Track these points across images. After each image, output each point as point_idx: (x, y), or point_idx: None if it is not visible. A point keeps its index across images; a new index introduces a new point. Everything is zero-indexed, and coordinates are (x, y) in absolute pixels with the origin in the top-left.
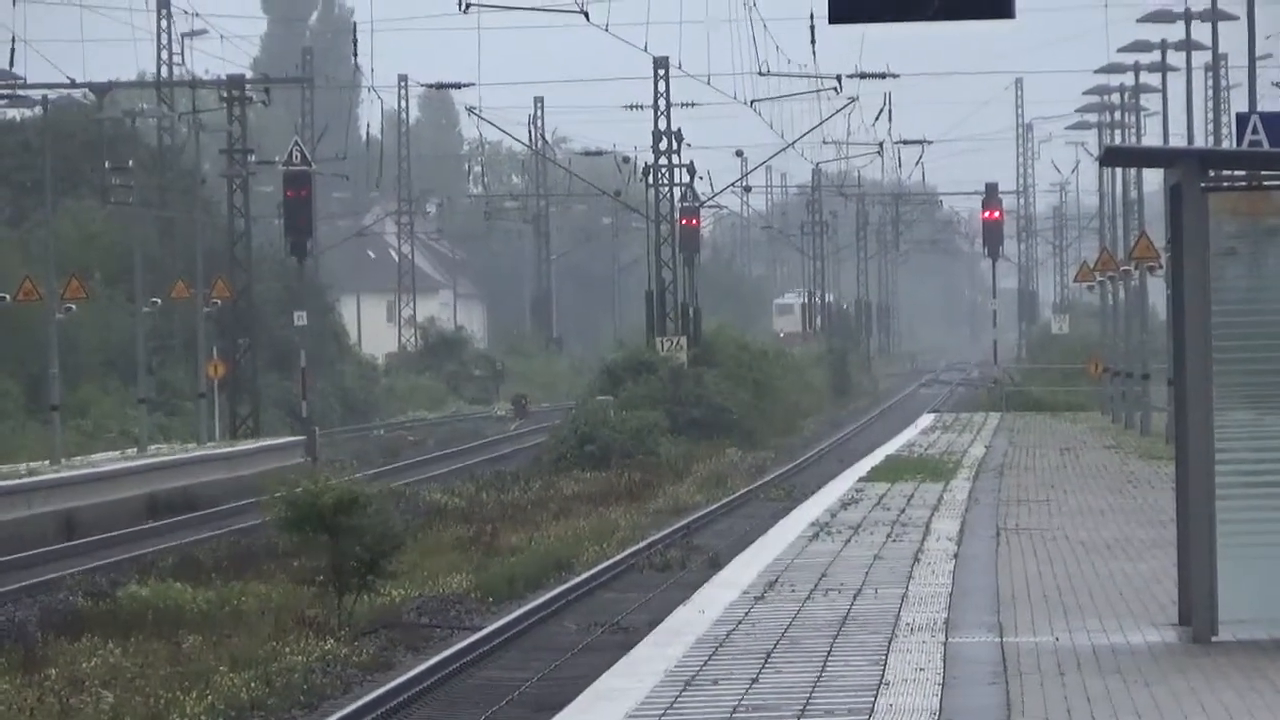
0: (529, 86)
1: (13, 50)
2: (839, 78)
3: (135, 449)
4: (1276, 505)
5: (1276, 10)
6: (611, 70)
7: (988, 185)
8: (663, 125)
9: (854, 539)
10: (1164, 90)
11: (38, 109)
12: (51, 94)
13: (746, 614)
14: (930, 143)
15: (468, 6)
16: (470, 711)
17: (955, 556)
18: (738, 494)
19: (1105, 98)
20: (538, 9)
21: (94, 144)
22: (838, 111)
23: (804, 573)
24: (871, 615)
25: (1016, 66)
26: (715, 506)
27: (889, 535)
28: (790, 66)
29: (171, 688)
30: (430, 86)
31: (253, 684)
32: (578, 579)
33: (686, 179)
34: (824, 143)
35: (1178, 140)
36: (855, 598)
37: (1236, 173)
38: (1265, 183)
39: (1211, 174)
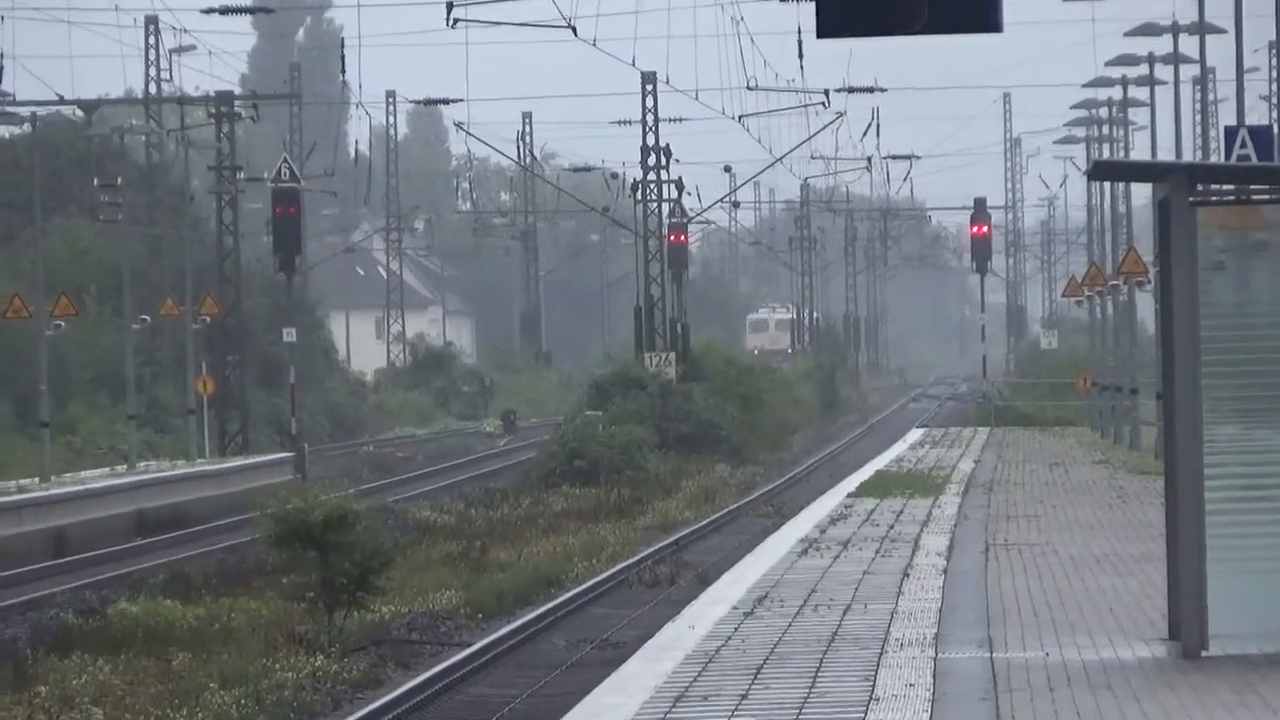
0: (517, 102)
1: (1, 67)
2: (827, 92)
3: (125, 466)
4: (1266, 519)
5: (1264, 24)
6: (600, 86)
7: (976, 200)
8: (651, 141)
9: (843, 554)
10: (1152, 104)
11: (26, 126)
12: (40, 111)
13: (736, 629)
14: (918, 157)
15: (455, 22)
16: None
17: (945, 572)
18: (727, 510)
19: (1093, 112)
20: (526, 24)
21: (83, 161)
22: (826, 126)
23: (793, 588)
24: (861, 631)
25: (1004, 81)
26: (704, 522)
27: (878, 551)
28: (778, 81)
29: (161, 705)
30: (418, 102)
31: (243, 701)
32: (567, 595)
33: (675, 195)
34: (812, 158)
35: (1166, 154)
36: (845, 613)
37: (1225, 187)
38: (1253, 197)
39: (1200, 188)
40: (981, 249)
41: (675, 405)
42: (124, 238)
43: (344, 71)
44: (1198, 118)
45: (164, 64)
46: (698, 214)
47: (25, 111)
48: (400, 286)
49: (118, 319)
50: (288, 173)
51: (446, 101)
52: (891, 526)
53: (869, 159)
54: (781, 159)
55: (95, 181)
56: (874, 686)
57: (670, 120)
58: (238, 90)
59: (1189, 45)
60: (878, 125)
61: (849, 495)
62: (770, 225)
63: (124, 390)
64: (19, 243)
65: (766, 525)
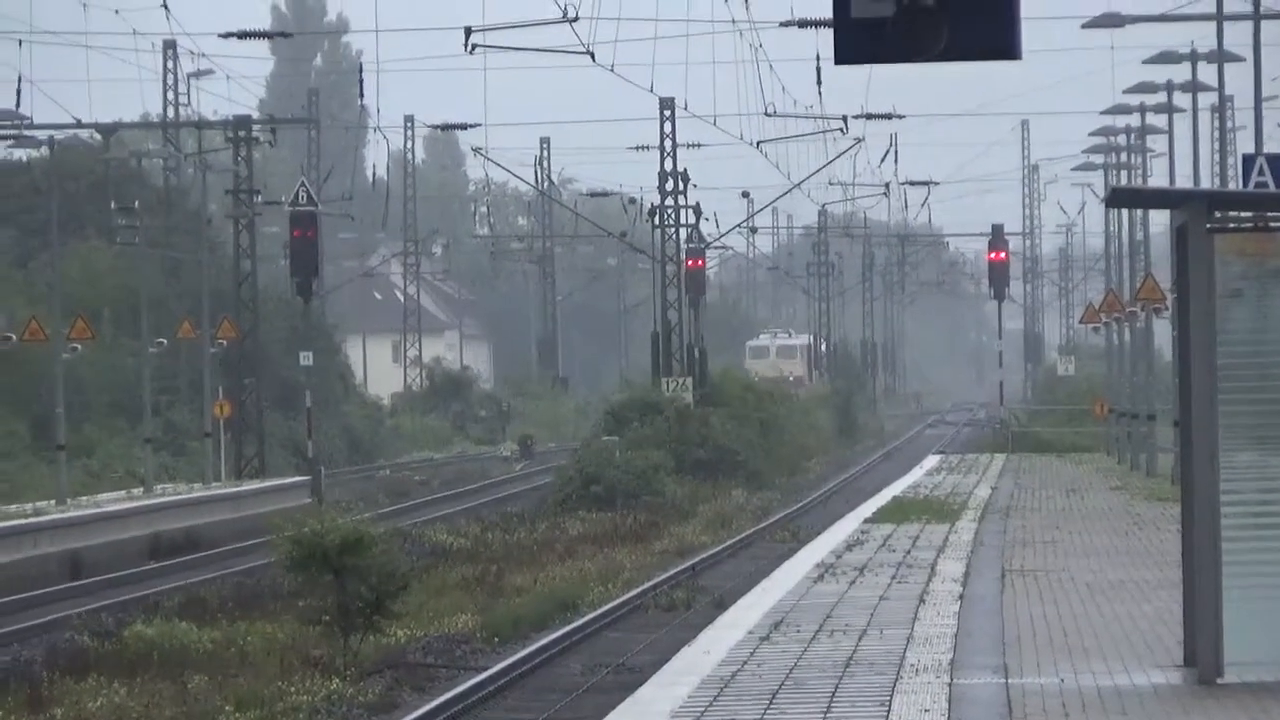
0: (535, 127)
1: (19, 90)
2: (845, 119)
3: (141, 489)
4: None
5: None
6: (618, 111)
7: (994, 226)
8: (669, 166)
9: (859, 580)
10: (1170, 132)
11: (44, 149)
12: (58, 134)
13: (752, 655)
14: (936, 184)
15: (474, 48)
16: None
17: (960, 598)
18: (743, 535)
19: (1111, 139)
20: (544, 50)
21: (100, 184)
22: (844, 152)
23: (809, 614)
24: (877, 656)
25: (1023, 108)
26: (721, 547)
27: (894, 576)
28: (796, 107)
29: None
30: (436, 127)
31: None
32: (583, 619)
33: (692, 220)
34: (830, 184)
35: (1184, 182)
36: (860, 639)
37: (1242, 214)
38: (1271, 224)
39: (1217, 215)
40: (999, 275)
41: (692, 430)
42: (141, 261)
43: (362, 96)
44: (1216, 145)
45: (181, 88)
46: (715, 239)
47: (43, 135)
48: (418, 311)
49: (134, 342)
50: (305, 197)
51: (464, 126)
52: (908, 552)
53: (887, 185)
54: (800, 185)
55: (113, 205)
56: (889, 712)
57: (688, 146)
58: (256, 115)
59: (1208, 73)
60: (896, 151)
61: (865, 521)
62: (788, 251)
63: (141, 413)
64: (36, 265)
65: (783, 550)
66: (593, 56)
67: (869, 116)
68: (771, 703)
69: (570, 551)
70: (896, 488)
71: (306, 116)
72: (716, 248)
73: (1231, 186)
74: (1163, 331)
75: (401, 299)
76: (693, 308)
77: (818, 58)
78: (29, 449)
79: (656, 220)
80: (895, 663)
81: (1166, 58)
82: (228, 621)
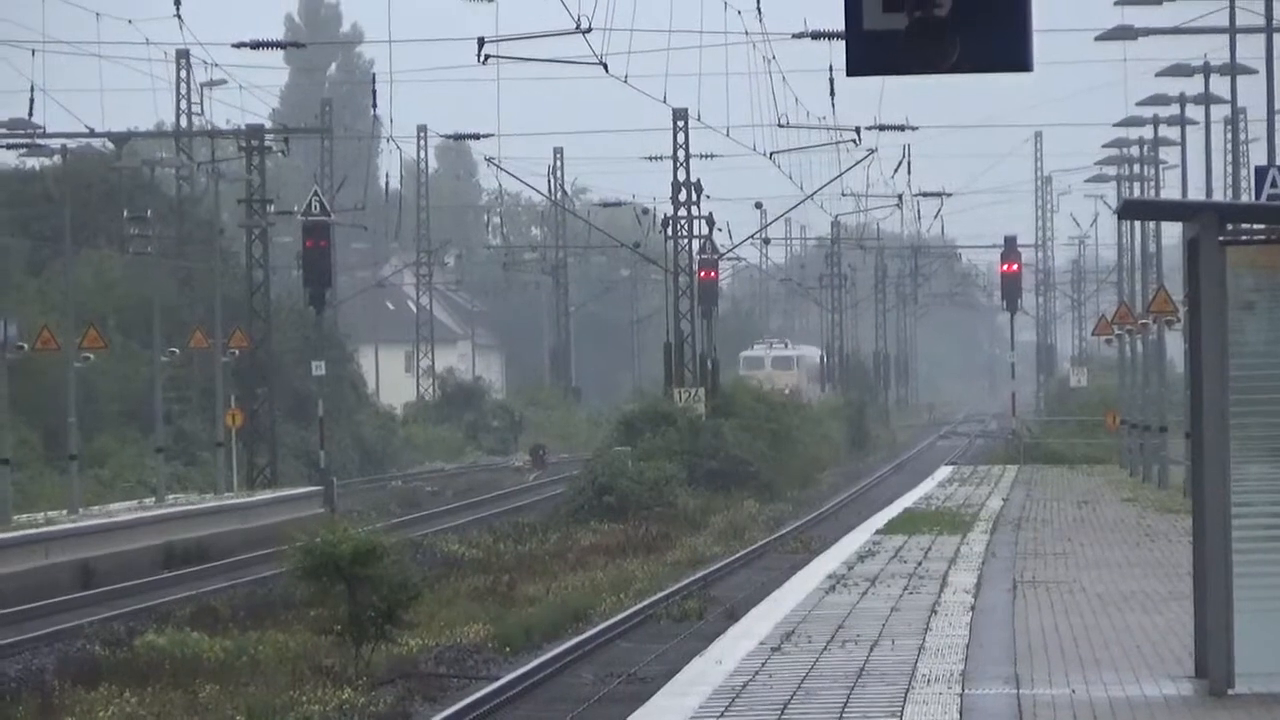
0: (548, 138)
1: (32, 100)
2: (858, 130)
3: (153, 499)
4: None
5: None
6: (631, 122)
7: (1006, 238)
8: (682, 177)
9: (871, 591)
10: (1183, 144)
11: (57, 158)
12: (71, 143)
13: (763, 665)
14: (949, 195)
15: (487, 58)
16: None
17: (972, 609)
18: (755, 546)
19: (1124, 151)
20: (557, 60)
21: (113, 193)
22: (857, 164)
23: (821, 624)
24: (888, 667)
25: (1036, 120)
26: (733, 558)
27: (906, 587)
28: (809, 118)
29: None
30: (449, 137)
31: None
32: (595, 629)
33: (705, 231)
34: (843, 195)
35: (1196, 194)
36: (872, 649)
37: (1255, 226)
38: None
39: (1230, 227)
40: (1012, 287)
41: (704, 441)
42: (153, 270)
43: (375, 106)
44: (1229, 157)
45: (195, 97)
46: (728, 250)
47: (56, 144)
48: (430, 321)
49: (147, 351)
50: (318, 206)
51: (477, 136)
52: (920, 563)
53: (900, 196)
54: (812, 196)
55: (125, 214)
56: None
57: (701, 156)
58: (268, 124)
59: (1220, 85)
60: (909, 163)
61: (877, 532)
62: (801, 262)
63: (152, 423)
64: (49, 274)
65: (795, 561)
66: (606, 67)
67: (882, 128)
68: (782, 713)
69: (582, 562)
70: (908, 499)
71: (320, 126)
72: (729, 259)
73: (1244, 199)
74: (1175, 343)
75: (414, 309)
76: (705, 319)
77: (830, 69)
78: (41, 458)
79: (669, 231)
80: (907, 673)
81: (1179, 70)
82: (239, 631)
